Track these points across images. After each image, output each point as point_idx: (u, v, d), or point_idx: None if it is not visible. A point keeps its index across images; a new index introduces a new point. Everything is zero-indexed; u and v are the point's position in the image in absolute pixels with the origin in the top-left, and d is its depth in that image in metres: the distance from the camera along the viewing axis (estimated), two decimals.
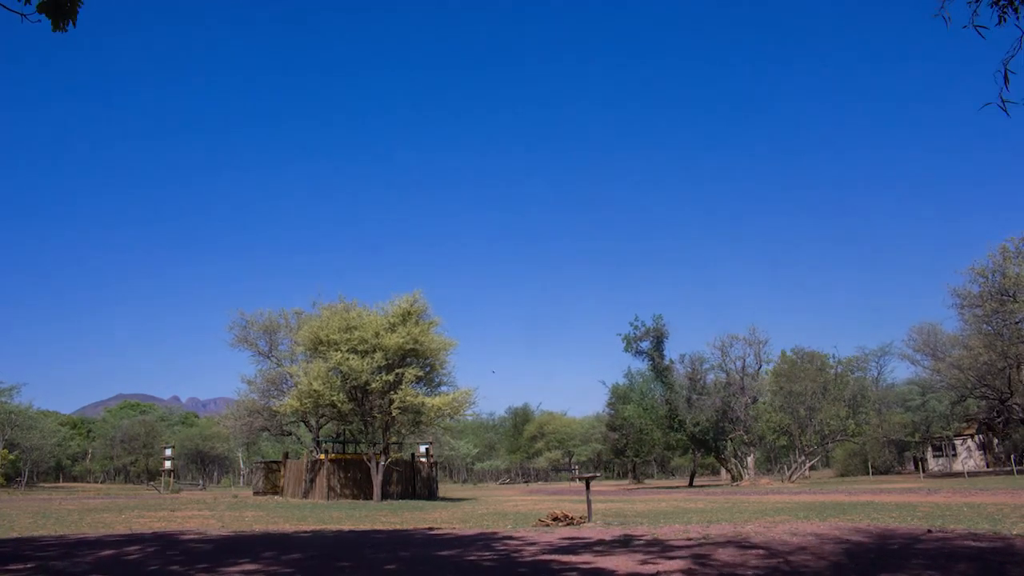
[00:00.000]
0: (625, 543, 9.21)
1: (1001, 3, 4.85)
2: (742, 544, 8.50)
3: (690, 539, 9.36)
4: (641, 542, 9.25)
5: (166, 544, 10.34)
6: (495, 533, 11.37)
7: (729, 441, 50.93)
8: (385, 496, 28.75)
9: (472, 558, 8.03)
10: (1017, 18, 4.84)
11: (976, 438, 53.75)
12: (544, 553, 8.36)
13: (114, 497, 35.43)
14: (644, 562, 7.40)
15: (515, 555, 8.21)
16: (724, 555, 7.66)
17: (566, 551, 8.52)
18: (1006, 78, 4.84)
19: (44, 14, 3.86)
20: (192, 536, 11.73)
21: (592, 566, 7.33)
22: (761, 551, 7.86)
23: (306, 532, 12.60)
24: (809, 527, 10.72)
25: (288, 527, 13.88)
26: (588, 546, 9.03)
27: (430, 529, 12.69)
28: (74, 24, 3.91)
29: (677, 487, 48.16)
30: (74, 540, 11.13)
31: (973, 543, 8.29)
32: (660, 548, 8.42)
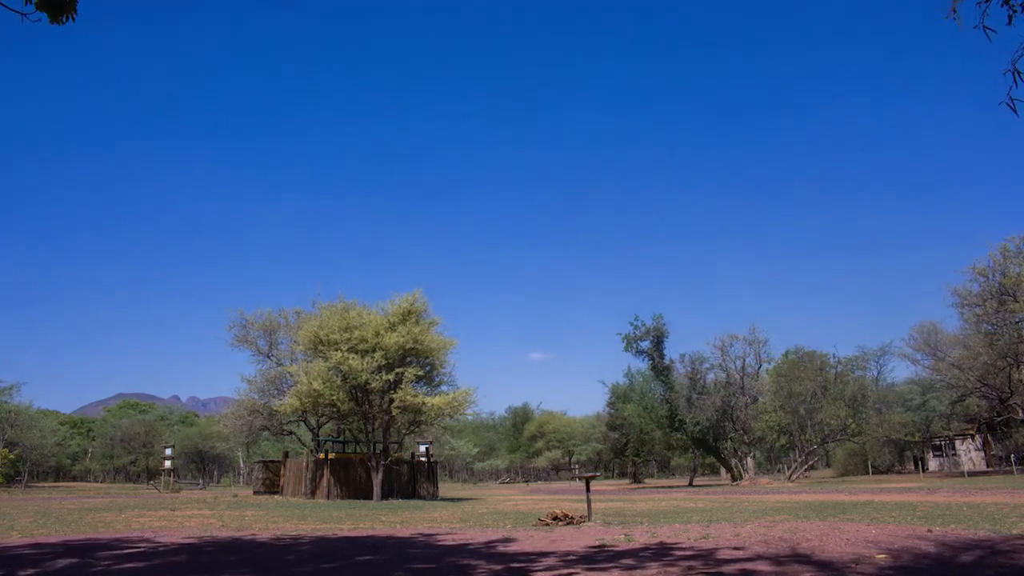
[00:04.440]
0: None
1: (1012, 3, 4.83)
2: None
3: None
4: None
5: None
6: (503, 539, 10.24)
7: (729, 441, 50.92)
8: (385, 496, 28.73)
9: (479, 573, 7.17)
10: None
11: (976, 438, 53.72)
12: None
13: (114, 496, 35.41)
14: None
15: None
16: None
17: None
18: (1015, 77, 4.82)
19: (43, 10, 3.78)
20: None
21: None
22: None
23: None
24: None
25: (288, 526, 13.84)
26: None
27: (429, 535, 11.58)
28: (74, 18, 3.82)
29: (677, 487, 48.13)
30: None
31: None
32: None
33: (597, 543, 9.29)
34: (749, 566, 6.93)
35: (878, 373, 62.94)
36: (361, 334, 27.35)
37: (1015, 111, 4.78)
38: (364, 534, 12.01)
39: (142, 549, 9.73)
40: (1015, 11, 4.73)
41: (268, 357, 36.93)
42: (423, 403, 27.62)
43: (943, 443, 56.05)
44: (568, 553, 8.27)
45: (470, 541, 10.25)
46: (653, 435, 54.27)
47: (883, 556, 7.34)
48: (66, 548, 10.01)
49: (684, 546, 8.74)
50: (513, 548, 9.08)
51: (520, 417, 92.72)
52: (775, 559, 7.35)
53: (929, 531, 9.72)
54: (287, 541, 10.64)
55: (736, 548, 8.23)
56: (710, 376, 52.15)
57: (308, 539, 11.03)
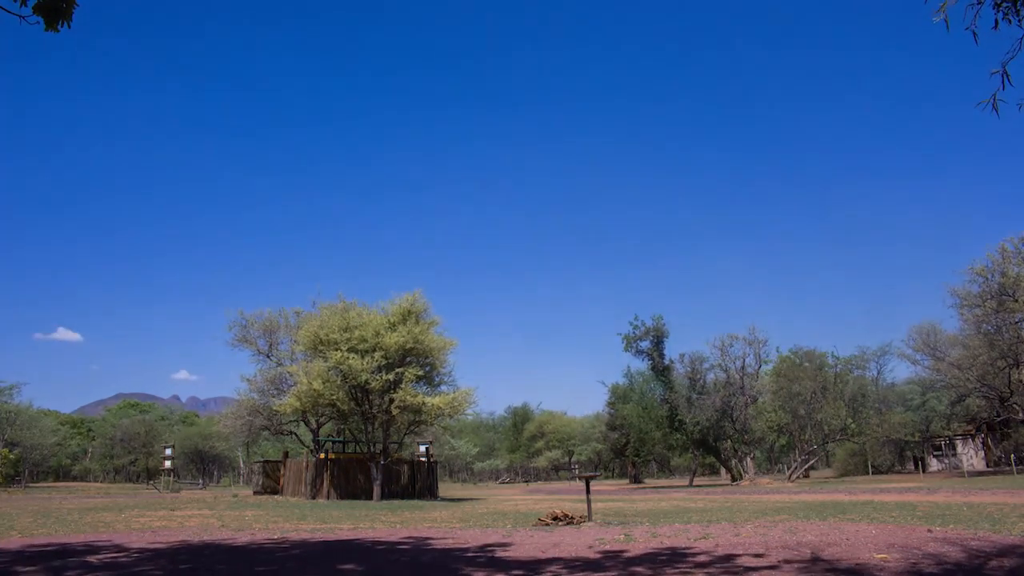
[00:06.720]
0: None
1: (1003, 5, 4.85)
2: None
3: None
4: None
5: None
6: (503, 542, 9.94)
7: (729, 441, 50.93)
8: (385, 496, 28.74)
9: None
10: (1019, 20, 4.83)
11: (976, 438, 53.73)
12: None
13: (114, 496, 35.42)
14: None
15: None
16: None
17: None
18: (1004, 79, 4.84)
19: (40, 15, 3.79)
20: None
21: None
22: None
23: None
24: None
25: (288, 526, 13.84)
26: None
27: (428, 537, 11.15)
28: (69, 25, 3.83)
29: (677, 487, 48.14)
30: None
31: None
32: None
33: (602, 546, 9.04)
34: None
35: (878, 373, 62.98)
36: (361, 334, 27.36)
37: (997, 111, 4.86)
38: (359, 536, 11.71)
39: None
40: (1007, 15, 4.75)
41: (268, 357, 36.94)
42: (423, 403, 27.63)
43: (943, 443, 56.06)
44: (574, 559, 7.86)
45: (470, 543, 9.93)
46: (653, 435, 54.27)
47: (883, 556, 7.34)
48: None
49: (698, 550, 8.24)
50: (514, 553, 8.69)
51: (520, 417, 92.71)
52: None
53: (929, 531, 9.71)
54: (270, 546, 10.11)
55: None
56: (710, 376, 52.15)
57: (292, 542, 10.52)
